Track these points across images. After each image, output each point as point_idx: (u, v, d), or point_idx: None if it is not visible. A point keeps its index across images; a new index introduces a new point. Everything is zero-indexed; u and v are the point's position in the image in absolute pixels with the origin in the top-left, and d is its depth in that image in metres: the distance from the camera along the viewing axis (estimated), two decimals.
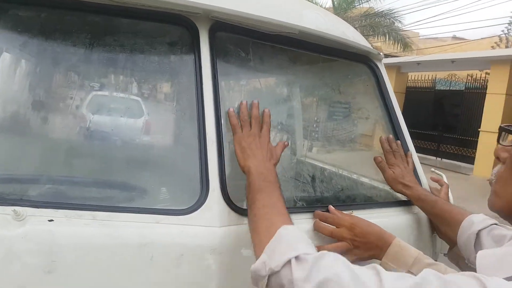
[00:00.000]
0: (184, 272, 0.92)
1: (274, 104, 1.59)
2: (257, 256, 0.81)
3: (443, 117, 13.91)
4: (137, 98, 1.26)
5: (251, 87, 1.16)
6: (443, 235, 1.38)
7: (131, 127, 1.14)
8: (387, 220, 1.31)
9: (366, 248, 1.12)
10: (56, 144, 1.14)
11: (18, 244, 0.85)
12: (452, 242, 1.31)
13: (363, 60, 1.57)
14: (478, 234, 1.15)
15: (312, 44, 1.36)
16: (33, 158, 1.11)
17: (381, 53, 1.61)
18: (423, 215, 1.41)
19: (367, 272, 0.69)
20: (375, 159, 1.45)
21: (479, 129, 11.68)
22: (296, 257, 0.73)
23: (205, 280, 0.94)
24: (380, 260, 1.11)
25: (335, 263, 0.71)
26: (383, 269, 0.69)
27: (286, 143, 1.19)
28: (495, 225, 1.14)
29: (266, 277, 0.75)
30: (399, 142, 1.47)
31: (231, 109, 1.12)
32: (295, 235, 0.82)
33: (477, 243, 1.15)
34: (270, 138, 1.14)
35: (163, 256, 0.91)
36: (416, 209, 1.42)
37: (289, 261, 0.73)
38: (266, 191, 0.95)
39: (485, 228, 1.15)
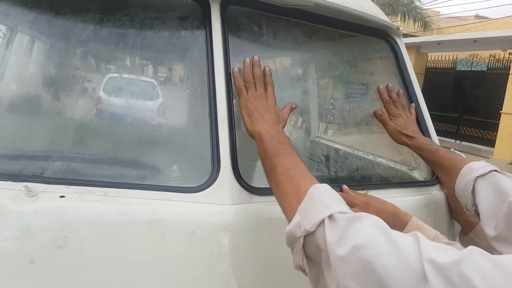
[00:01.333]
0: (196, 249, 0.91)
1: (288, 82, 1.55)
2: (289, 220, 0.78)
3: (463, 99, 13.57)
4: (148, 78, 1.23)
5: (264, 63, 1.12)
6: (444, 185, 1.35)
7: (141, 105, 1.13)
8: (404, 201, 1.28)
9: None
10: (68, 122, 1.14)
11: (30, 219, 0.85)
12: (450, 191, 1.26)
13: (381, 35, 1.51)
14: (476, 181, 1.10)
15: (328, 18, 1.31)
16: (45, 136, 1.11)
17: (400, 28, 1.55)
18: (441, 196, 1.38)
19: (406, 238, 0.64)
20: (374, 113, 1.39)
21: (500, 111, 11.37)
22: (330, 216, 0.70)
23: (217, 257, 0.93)
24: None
25: (370, 227, 0.67)
26: (424, 237, 0.64)
27: (294, 105, 1.13)
28: (494, 172, 1.09)
29: (302, 238, 0.73)
30: (400, 91, 1.41)
31: (236, 69, 1.07)
32: (327, 194, 0.78)
33: (475, 190, 1.10)
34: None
35: (174, 233, 0.90)
36: (434, 190, 1.38)
37: (322, 221, 0.70)
38: (285, 153, 0.92)
39: (484, 174, 1.09)
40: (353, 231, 0.66)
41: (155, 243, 0.89)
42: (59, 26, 1.10)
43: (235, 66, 1.07)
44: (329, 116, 1.80)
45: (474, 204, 1.10)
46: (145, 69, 1.19)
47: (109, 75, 1.19)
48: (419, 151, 1.32)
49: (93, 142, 1.07)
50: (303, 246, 0.73)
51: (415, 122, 1.38)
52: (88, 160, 1.04)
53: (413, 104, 1.43)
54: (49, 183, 0.90)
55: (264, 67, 1.10)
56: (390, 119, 1.36)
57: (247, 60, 1.08)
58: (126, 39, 1.11)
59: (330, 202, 0.74)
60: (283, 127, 1.05)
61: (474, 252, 0.60)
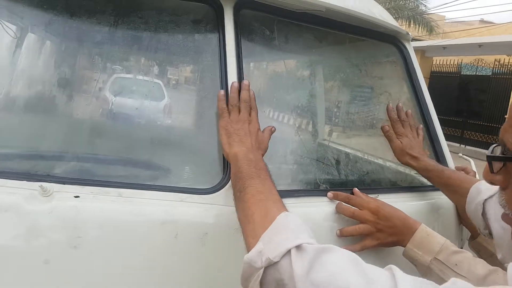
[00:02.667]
0: (208, 250, 0.92)
1: (297, 85, 1.56)
2: (249, 247, 0.71)
3: (468, 103, 13.55)
4: (158, 80, 1.25)
5: (275, 66, 1.13)
6: (455, 205, 1.34)
7: (155, 108, 1.14)
8: (413, 205, 1.28)
9: (390, 233, 1.09)
10: (82, 123, 1.15)
11: (44, 219, 0.86)
12: (462, 212, 1.27)
13: (391, 40, 1.51)
14: (484, 204, 1.10)
15: (339, 22, 1.32)
16: (59, 136, 1.12)
17: (409, 33, 1.56)
18: (449, 200, 1.38)
19: (382, 273, 0.60)
20: (382, 128, 1.36)
21: (505, 116, 11.30)
22: (298, 247, 0.64)
23: (229, 259, 0.93)
24: (404, 246, 1.07)
25: (342, 259, 0.62)
26: (401, 272, 0.59)
27: (273, 128, 1.07)
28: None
29: (262, 270, 0.66)
30: (409, 112, 1.39)
31: (222, 92, 1.03)
32: (296, 223, 0.73)
33: (485, 213, 1.10)
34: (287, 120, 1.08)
35: (187, 234, 0.91)
36: (443, 194, 1.38)
37: (289, 251, 0.64)
38: (259, 177, 0.86)
39: (491, 196, 1.09)
40: (324, 263, 0.62)
41: (168, 244, 0.90)
42: (74, 28, 1.11)
43: (221, 90, 1.04)
44: (335, 120, 1.81)
45: (487, 227, 1.10)
46: (159, 71, 1.20)
47: (115, 75, 1.21)
48: (425, 172, 1.30)
49: (107, 143, 1.08)
50: (261, 281, 0.66)
51: (422, 144, 1.36)
52: (102, 161, 1.05)
53: (421, 126, 1.41)
54: (63, 183, 0.91)
55: (250, 92, 1.05)
56: (397, 137, 1.34)
57: (235, 84, 1.04)
58: (140, 42, 1.13)
59: (300, 232, 0.69)
60: (263, 154, 1.00)
61: (457, 285, 0.56)
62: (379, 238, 1.09)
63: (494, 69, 13.13)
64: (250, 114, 1.03)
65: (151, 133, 1.11)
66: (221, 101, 1.03)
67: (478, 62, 14.31)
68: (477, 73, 14.23)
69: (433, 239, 1.04)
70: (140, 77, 1.16)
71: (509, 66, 12.44)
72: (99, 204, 0.89)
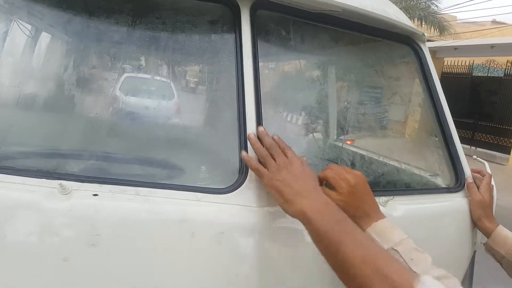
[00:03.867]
0: (225, 250, 0.92)
1: (312, 86, 1.56)
2: None
3: (479, 105, 13.40)
4: (171, 80, 1.25)
5: (290, 67, 1.13)
6: None
7: (171, 107, 1.14)
8: (427, 207, 1.27)
9: (354, 207, 0.97)
10: (100, 122, 1.16)
11: (63, 217, 0.87)
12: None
13: (406, 41, 1.50)
14: None
15: (355, 23, 1.31)
16: (78, 135, 1.13)
17: (425, 34, 1.54)
18: (464, 203, 1.36)
19: None
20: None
21: None
22: None
23: (245, 259, 0.94)
24: (364, 229, 0.97)
25: None
26: None
27: (304, 157, 0.99)
28: None
29: None
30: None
31: (244, 153, 0.95)
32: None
33: None
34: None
35: (204, 233, 0.91)
36: (457, 197, 1.37)
37: None
38: (348, 236, 0.79)
39: None
40: None
41: (185, 242, 0.90)
42: (91, 28, 1.12)
43: (243, 150, 0.96)
44: (350, 121, 1.80)
45: None
46: (178, 71, 1.21)
47: (128, 74, 1.22)
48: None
49: (124, 142, 1.09)
50: None
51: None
52: (119, 160, 1.06)
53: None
54: (82, 181, 0.92)
55: (272, 136, 0.97)
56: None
57: (252, 135, 0.96)
58: (158, 42, 1.14)
59: None
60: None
61: None
62: (341, 200, 0.95)
63: (507, 70, 12.97)
64: (286, 155, 0.94)
65: (168, 133, 1.12)
66: (250, 161, 0.95)
67: (490, 63, 14.14)
68: (488, 75, 14.07)
69: (396, 232, 0.98)
70: (158, 77, 1.17)
71: None
72: (117, 203, 0.90)
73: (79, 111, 1.17)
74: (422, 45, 1.55)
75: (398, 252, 0.93)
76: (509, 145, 11.60)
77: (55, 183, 0.89)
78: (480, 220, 1.30)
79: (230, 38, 1.11)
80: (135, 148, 1.08)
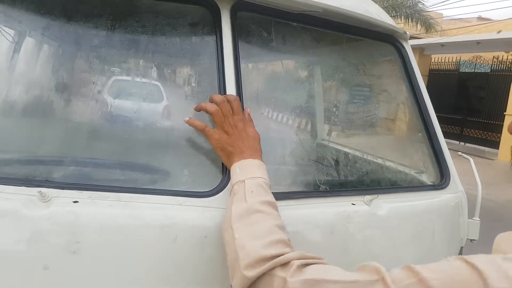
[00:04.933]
0: (208, 254, 0.91)
1: (295, 86, 1.56)
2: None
3: (467, 100, 13.55)
4: (157, 82, 1.24)
5: (272, 68, 1.13)
6: None
7: (152, 110, 1.13)
8: (413, 205, 1.28)
9: (231, 145, 0.97)
10: (79, 127, 1.15)
11: (43, 224, 0.86)
12: None
13: (388, 39, 1.51)
14: None
15: (336, 23, 1.31)
16: (57, 141, 1.11)
17: (407, 32, 1.55)
18: (449, 199, 1.38)
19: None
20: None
21: (504, 113, 11.34)
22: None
23: None
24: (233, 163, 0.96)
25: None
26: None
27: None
28: None
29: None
30: None
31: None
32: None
33: None
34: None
35: (186, 238, 0.90)
36: (443, 194, 1.38)
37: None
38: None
39: None
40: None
41: (167, 247, 0.89)
42: (71, 32, 1.11)
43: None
44: (333, 119, 1.81)
45: None
46: (156, 74, 1.20)
47: (114, 77, 1.21)
48: None
49: (105, 146, 1.08)
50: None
51: None
52: (100, 165, 1.04)
53: None
54: (62, 188, 0.90)
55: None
56: None
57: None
58: (138, 45, 1.12)
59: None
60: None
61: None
62: (220, 138, 0.98)
63: (493, 66, 13.14)
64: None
65: (149, 136, 1.11)
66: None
67: (476, 59, 14.32)
68: (475, 70, 14.24)
69: (259, 171, 0.95)
70: (138, 79, 1.16)
71: (507, 63, 12.44)
72: (97, 209, 0.89)
73: (59, 116, 1.15)
74: (404, 43, 1.56)
75: (244, 183, 0.90)
76: (498, 139, 11.74)
77: (35, 190, 0.88)
78: None
79: (211, 40, 1.10)
80: (117, 153, 1.07)
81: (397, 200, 1.25)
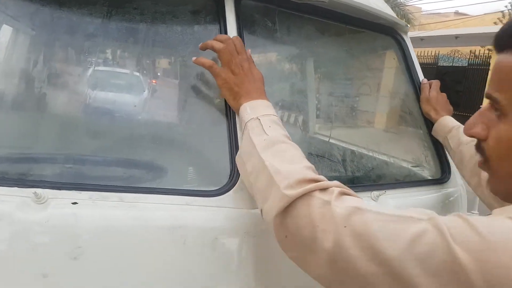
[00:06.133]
0: (219, 255, 0.86)
1: (294, 78, 1.51)
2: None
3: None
4: (159, 74, 1.17)
5: (276, 57, 1.08)
6: None
7: (158, 105, 1.06)
8: (419, 199, 1.26)
9: (239, 84, 0.96)
10: (77, 123, 1.07)
11: (40, 229, 0.79)
12: None
13: (389, 32, 1.48)
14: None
15: (339, 14, 1.28)
16: (53, 137, 1.04)
17: (408, 25, 1.53)
18: (451, 193, 1.37)
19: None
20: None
21: (481, 106, 11.60)
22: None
23: (240, 264, 0.89)
24: (242, 103, 0.95)
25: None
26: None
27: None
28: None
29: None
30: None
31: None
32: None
33: None
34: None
35: (196, 239, 0.85)
36: (445, 188, 1.37)
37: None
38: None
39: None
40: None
41: (177, 251, 0.84)
42: (65, 20, 1.03)
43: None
44: (333, 112, 1.77)
45: None
46: (157, 66, 1.13)
47: (98, 67, 1.13)
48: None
49: (104, 143, 1.01)
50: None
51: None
52: (100, 163, 0.97)
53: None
54: (59, 188, 0.83)
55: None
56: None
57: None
58: (136, 34, 1.05)
59: None
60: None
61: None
62: (228, 77, 0.96)
63: (470, 60, 13.42)
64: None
65: (152, 132, 1.04)
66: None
67: (454, 54, 14.60)
68: (453, 64, 14.52)
69: (268, 108, 0.94)
70: (145, 73, 1.09)
71: (483, 57, 12.72)
72: (99, 211, 0.82)
73: (52, 110, 1.07)
74: (404, 36, 1.53)
75: (259, 120, 0.89)
76: None
77: (29, 191, 0.80)
78: (428, 113, 1.43)
79: (214, 29, 1.04)
80: (118, 150, 1.00)
81: (403, 195, 1.23)
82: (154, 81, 1.07)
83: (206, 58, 0.99)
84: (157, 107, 1.06)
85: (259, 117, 0.89)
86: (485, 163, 0.74)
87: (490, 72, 0.74)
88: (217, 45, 0.98)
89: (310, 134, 2.01)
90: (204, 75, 1.04)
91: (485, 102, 0.75)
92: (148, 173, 0.96)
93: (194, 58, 1.00)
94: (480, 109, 0.73)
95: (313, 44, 1.40)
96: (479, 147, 0.75)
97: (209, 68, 0.98)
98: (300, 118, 1.63)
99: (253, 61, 1.01)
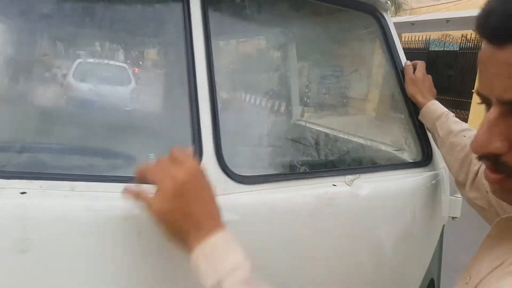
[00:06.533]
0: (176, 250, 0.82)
1: (269, 61, 1.46)
2: None
3: (436, 79, 13.57)
4: (123, 64, 1.12)
5: (246, 39, 1.02)
6: None
7: (116, 92, 1.01)
8: (396, 183, 1.22)
9: (182, 215, 0.70)
10: (32, 110, 1.01)
11: None
12: None
13: (369, 10, 1.43)
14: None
15: None
16: (5, 125, 0.98)
17: (388, 2, 1.47)
18: (431, 176, 1.33)
19: None
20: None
21: (472, 90, 11.61)
22: None
23: None
24: (192, 249, 0.70)
25: None
26: None
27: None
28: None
29: None
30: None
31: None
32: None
33: None
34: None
35: (152, 230, 0.80)
36: (425, 171, 1.33)
37: None
38: None
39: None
40: None
41: (131, 243, 0.79)
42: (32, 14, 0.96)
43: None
44: (305, 98, 1.73)
45: None
46: (116, 47, 1.07)
47: (78, 60, 1.07)
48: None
49: (59, 131, 0.95)
50: None
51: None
52: (53, 151, 0.92)
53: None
54: (8, 178, 0.78)
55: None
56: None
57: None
58: (94, 13, 0.99)
59: None
60: None
61: None
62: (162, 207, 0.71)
63: (461, 44, 13.38)
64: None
65: (113, 119, 0.98)
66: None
67: (445, 38, 14.53)
68: (444, 49, 14.47)
69: (232, 253, 0.71)
70: (101, 58, 1.03)
71: (475, 41, 12.68)
72: (49, 201, 0.77)
73: (8, 99, 1.01)
74: (385, 14, 1.47)
75: (221, 286, 0.66)
76: (466, 117, 12.03)
77: None
78: (414, 96, 1.36)
79: (177, 7, 0.98)
80: (72, 137, 0.94)
81: (380, 179, 1.19)
82: (111, 62, 1.00)
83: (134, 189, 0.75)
84: (114, 94, 1.00)
85: (221, 278, 0.66)
86: (507, 178, 0.57)
87: (489, 75, 0.55)
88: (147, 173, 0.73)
89: (292, 120, 1.97)
90: (166, 57, 0.98)
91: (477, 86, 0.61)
92: (103, 160, 0.91)
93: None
94: (486, 120, 0.55)
95: (288, 24, 1.33)
96: (496, 162, 0.57)
97: (137, 198, 0.74)
98: (275, 104, 1.58)
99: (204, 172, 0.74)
